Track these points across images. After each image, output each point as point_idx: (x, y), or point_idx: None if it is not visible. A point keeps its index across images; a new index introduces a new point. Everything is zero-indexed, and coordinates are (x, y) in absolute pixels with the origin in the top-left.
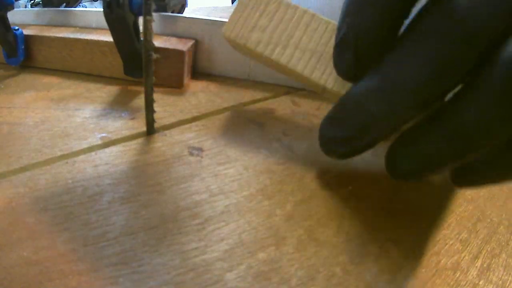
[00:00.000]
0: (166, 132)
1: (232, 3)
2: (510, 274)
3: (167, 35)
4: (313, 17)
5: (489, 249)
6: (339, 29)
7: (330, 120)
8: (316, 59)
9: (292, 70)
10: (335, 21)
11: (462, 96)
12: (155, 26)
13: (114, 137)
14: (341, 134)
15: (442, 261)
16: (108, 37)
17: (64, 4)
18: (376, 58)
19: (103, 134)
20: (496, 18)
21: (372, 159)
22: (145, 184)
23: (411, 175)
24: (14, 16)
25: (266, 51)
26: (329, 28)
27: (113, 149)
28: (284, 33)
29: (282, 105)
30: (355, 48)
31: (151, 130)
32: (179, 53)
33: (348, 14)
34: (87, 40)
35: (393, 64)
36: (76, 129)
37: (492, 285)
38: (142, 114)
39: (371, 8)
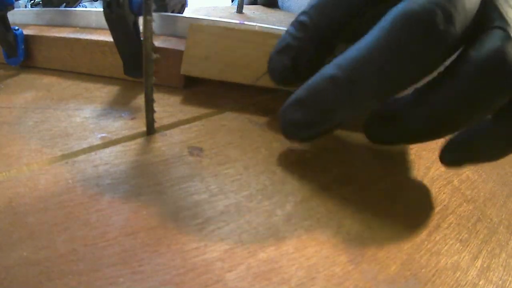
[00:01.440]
0: (166, 132)
1: (232, 2)
2: (510, 274)
3: (167, 35)
4: (255, 33)
5: (489, 249)
6: (282, 40)
7: (293, 105)
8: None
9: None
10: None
11: (437, 85)
12: (155, 26)
13: (114, 137)
14: (304, 118)
15: (442, 261)
16: (108, 37)
17: (64, 4)
18: (307, 66)
19: (103, 134)
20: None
21: (372, 159)
22: (145, 184)
23: (389, 144)
24: (14, 16)
25: (217, 76)
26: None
27: (113, 149)
28: (231, 54)
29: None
30: (294, 54)
31: (151, 130)
32: (179, 53)
33: (295, 29)
34: (87, 40)
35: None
36: (76, 129)
37: (492, 285)
38: (142, 114)
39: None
